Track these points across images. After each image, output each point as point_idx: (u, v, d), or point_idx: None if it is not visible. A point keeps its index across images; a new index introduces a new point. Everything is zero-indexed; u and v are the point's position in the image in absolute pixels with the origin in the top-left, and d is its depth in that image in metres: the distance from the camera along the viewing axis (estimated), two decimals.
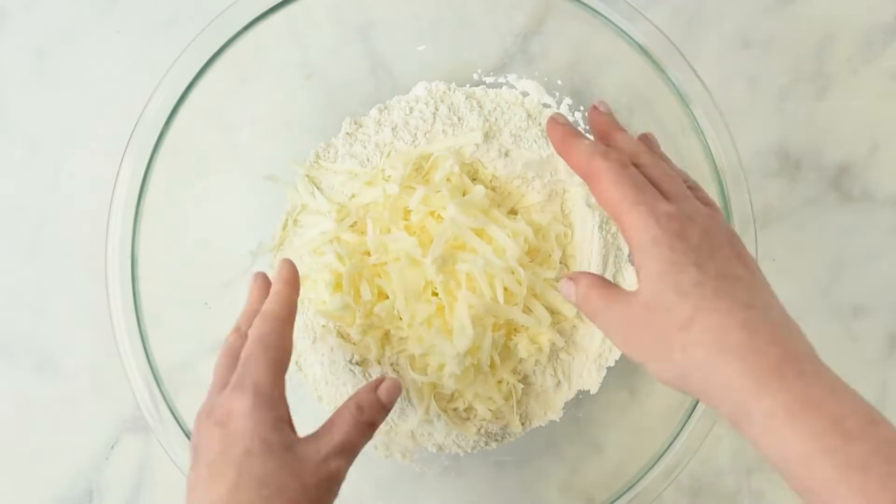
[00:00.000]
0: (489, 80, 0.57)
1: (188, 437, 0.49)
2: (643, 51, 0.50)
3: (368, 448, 0.49)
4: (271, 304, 0.44)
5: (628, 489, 0.50)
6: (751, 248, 0.49)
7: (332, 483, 0.40)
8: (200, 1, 0.60)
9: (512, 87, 0.57)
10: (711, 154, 0.50)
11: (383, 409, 0.42)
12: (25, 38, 0.61)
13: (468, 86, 0.57)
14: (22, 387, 0.59)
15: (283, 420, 0.40)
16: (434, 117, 0.54)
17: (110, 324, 0.49)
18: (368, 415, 0.41)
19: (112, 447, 0.59)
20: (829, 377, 0.34)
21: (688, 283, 0.36)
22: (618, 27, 0.50)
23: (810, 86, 0.60)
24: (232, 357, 0.43)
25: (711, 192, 0.50)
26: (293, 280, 0.45)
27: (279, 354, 0.42)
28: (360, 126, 0.55)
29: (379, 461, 0.54)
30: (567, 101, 0.55)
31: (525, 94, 0.56)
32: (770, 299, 0.37)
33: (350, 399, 0.42)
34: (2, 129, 0.61)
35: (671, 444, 0.49)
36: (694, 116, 0.50)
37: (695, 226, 0.37)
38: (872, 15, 0.60)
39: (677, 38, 0.50)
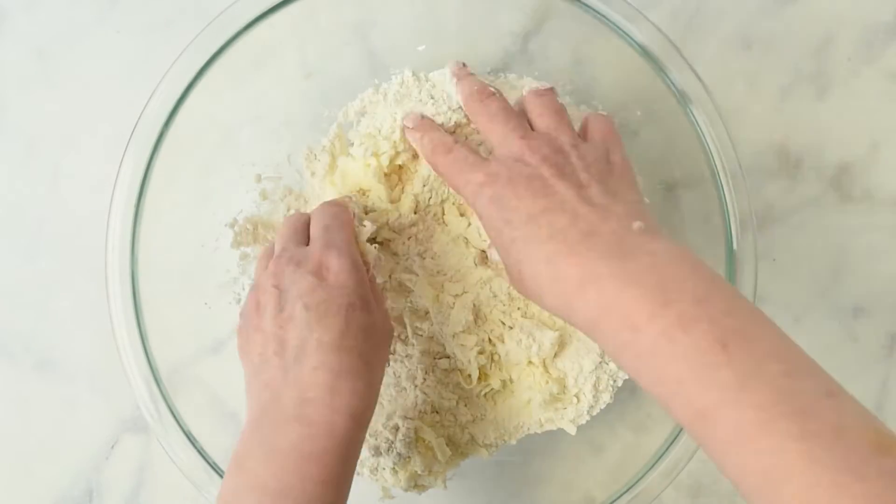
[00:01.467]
0: (489, 80, 0.57)
1: (188, 437, 0.49)
2: (643, 51, 0.50)
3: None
4: (328, 202, 0.48)
5: (628, 489, 0.50)
6: (750, 249, 0.50)
7: (389, 341, 0.45)
8: (200, 1, 0.60)
9: (512, 86, 0.57)
10: (711, 154, 0.50)
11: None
12: (25, 38, 0.61)
13: None
14: (22, 387, 0.59)
15: (369, 281, 0.44)
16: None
17: (110, 324, 0.49)
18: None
19: (112, 447, 0.59)
20: (631, 269, 0.36)
21: (506, 240, 0.40)
22: (618, 27, 0.50)
23: (810, 86, 0.60)
24: (296, 226, 0.46)
25: (711, 192, 0.51)
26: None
27: (351, 231, 0.46)
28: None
29: None
30: (567, 100, 0.55)
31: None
32: (576, 215, 0.39)
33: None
34: (1, 129, 0.61)
35: (671, 444, 0.49)
36: (694, 116, 0.50)
37: (500, 179, 0.41)
38: (872, 15, 0.60)
39: (677, 38, 0.50)
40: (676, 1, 0.60)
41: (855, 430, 0.29)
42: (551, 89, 0.47)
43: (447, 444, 0.51)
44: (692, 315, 0.33)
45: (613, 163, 0.44)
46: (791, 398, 0.30)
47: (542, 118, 0.45)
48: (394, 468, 0.49)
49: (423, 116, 0.49)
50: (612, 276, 0.36)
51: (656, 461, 0.49)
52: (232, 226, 0.53)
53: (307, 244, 0.45)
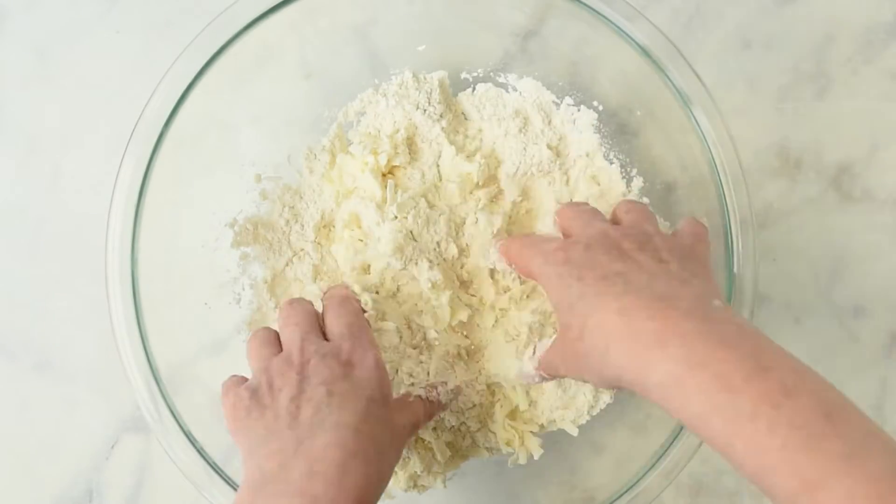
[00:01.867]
0: (490, 79, 0.57)
1: (188, 437, 0.49)
2: (643, 51, 0.50)
3: None
4: (337, 295, 0.48)
5: (628, 489, 0.50)
6: (750, 249, 0.50)
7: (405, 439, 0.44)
8: (201, 1, 0.60)
9: (513, 88, 0.57)
10: (711, 154, 0.50)
11: (441, 406, 0.47)
12: (25, 38, 0.61)
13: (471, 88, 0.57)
14: (22, 387, 0.59)
15: (388, 383, 0.44)
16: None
17: (110, 324, 0.49)
18: (432, 409, 0.47)
19: (112, 447, 0.59)
20: (719, 330, 0.34)
21: (574, 296, 0.38)
22: (618, 27, 0.50)
23: (810, 86, 0.60)
24: (308, 317, 0.46)
25: (711, 192, 0.51)
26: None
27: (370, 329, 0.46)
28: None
29: None
30: (568, 100, 0.56)
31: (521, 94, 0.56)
32: (654, 276, 0.37)
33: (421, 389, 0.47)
34: (2, 129, 0.61)
35: (671, 444, 0.49)
36: (694, 116, 0.50)
37: (577, 246, 0.40)
38: (872, 15, 0.60)
39: (677, 38, 0.50)
40: (676, 1, 0.60)
41: None
42: (641, 202, 0.47)
43: (448, 446, 0.51)
44: (793, 383, 0.32)
45: (697, 252, 0.42)
46: None
47: (629, 214, 0.44)
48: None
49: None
50: (699, 333, 0.33)
51: (656, 461, 0.49)
52: (232, 226, 0.53)
53: (321, 334, 0.45)
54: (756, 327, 0.36)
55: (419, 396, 0.47)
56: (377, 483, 0.39)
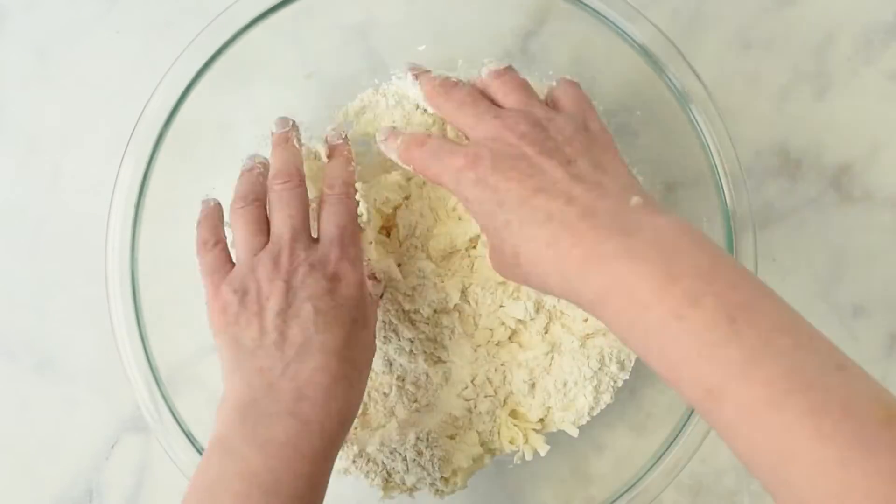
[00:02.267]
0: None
1: (188, 438, 0.49)
2: (643, 51, 0.50)
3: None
4: (340, 170, 0.48)
5: (628, 489, 0.50)
6: (750, 249, 0.50)
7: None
8: (201, 1, 0.60)
9: None
10: (711, 154, 0.50)
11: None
12: (25, 38, 0.61)
13: None
14: (22, 387, 0.59)
15: (368, 300, 0.45)
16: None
17: (110, 324, 0.49)
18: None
19: (112, 447, 0.59)
20: (635, 245, 0.35)
21: (500, 223, 0.39)
22: (618, 27, 0.50)
23: (810, 86, 0.60)
24: (302, 213, 0.46)
25: (710, 192, 0.51)
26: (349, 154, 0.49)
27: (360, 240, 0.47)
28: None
29: None
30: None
31: None
32: (569, 188, 0.38)
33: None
34: (2, 129, 0.61)
35: (671, 444, 0.49)
36: (694, 116, 0.50)
37: (484, 162, 0.40)
38: (872, 15, 0.60)
39: (677, 38, 0.50)
40: (676, 1, 0.60)
41: (864, 403, 0.28)
42: (510, 67, 0.46)
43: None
44: (699, 290, 0.32)
45: (592, 131, 0.42)
46: (799, 373, 0.29)
47: (508, 97, 0.44)
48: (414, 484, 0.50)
49: (392, 127, 0.48)
50: (616, 254, 0.35)
51: (656, 461, 0.49)
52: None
53: (311, 236, 0.45)
54: (677, 223, 0.36)
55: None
56: (356, 404, 0.42)
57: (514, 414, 0.52)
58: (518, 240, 0.38)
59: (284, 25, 0.51)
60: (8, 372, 0.60)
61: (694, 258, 0.34)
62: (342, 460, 0.49)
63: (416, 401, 0.51)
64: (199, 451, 0.49)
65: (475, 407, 0.52)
